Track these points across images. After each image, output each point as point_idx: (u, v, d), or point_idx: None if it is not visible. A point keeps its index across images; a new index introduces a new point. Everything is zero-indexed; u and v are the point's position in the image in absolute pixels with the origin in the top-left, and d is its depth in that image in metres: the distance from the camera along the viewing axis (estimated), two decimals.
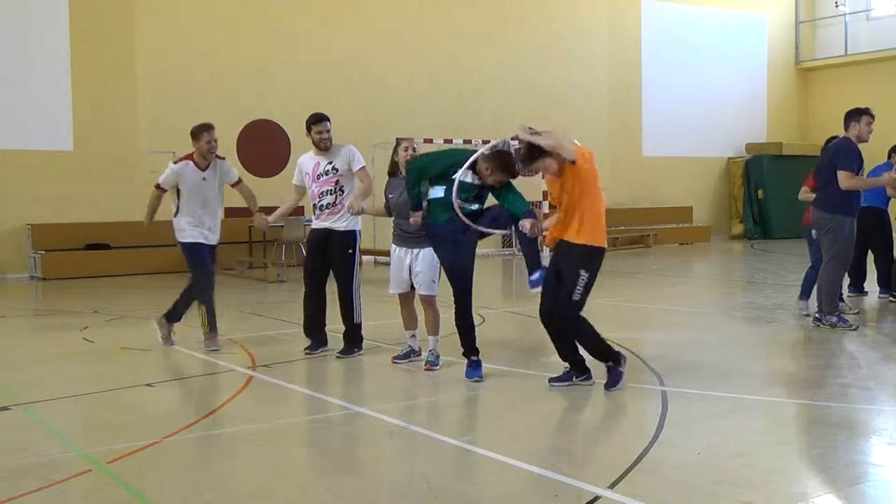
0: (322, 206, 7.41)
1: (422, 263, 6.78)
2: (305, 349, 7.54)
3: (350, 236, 7.40)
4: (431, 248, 6.66)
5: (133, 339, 8.52)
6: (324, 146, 7.43)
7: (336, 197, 7.36)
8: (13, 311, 11.43)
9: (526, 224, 6.00)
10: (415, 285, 6.87)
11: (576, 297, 5.88)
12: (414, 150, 7.01)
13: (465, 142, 16.95)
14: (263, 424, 5.47)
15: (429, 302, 6.85)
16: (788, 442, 4.91)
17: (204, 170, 7.70)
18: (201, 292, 7.81)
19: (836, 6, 23.71)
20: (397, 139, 7.30)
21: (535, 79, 19.92)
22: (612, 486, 4.11)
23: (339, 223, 7.35)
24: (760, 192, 22.67)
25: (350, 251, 7.40)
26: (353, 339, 7.48)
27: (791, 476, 4.35)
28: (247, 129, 16.93)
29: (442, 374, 6.59)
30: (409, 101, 18.01)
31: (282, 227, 14.45)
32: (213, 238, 7.84)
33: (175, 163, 7.74)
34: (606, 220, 6.10)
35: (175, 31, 16.19)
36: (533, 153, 5.82)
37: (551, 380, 6.18)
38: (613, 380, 6.04)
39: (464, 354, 6.52)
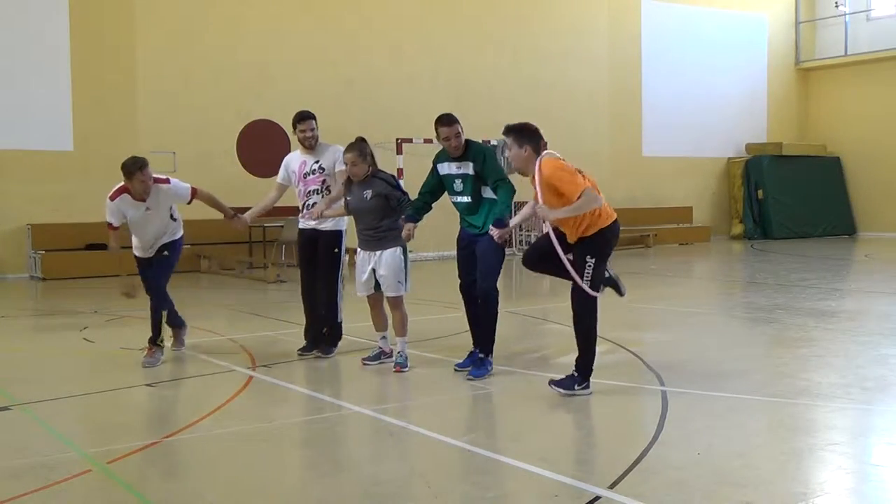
0: (309, 205, 7.35)
1: (385, 266, 6.75)
2: (299, 350, 7.50)
3: (335, 236, 7.37)
4: (392, 250, 6.73)
5: (133, 339, 8.51)
6: (308, 145, 7.41)
7: (323, 196, 7.32)
8: (13, 311, 11.43)
9: (494, 233, 6.14)
10: (381, 288, 6.85)
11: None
12: (356, 165, 6.70)
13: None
14: (263, 424, 5.48)
15: (395, 303, 6.84)
16: (788, 442, 4.90)
17: (144, 200, 7.08)
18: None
19: (836, 6, 23.70)
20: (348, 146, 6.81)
21: (535, 79, 19.90)
22: (612, 486, 4.11)
23: (326, 224, 7.30)
24: (760, 192, 22.66)
25: (336, 251, 7.39)
26: (335, 338, 7.47)
27: (791, 476, 4.35)
28: (247, 129, 16.92)
29: (442, 375, 6.59)
30: (409, 101, 17.99)
31: (282, 226, 14.44)
32: (146, 251, 7.38)
33: (111, 198, 7.08)
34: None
35: (175, 31, 16.17)
36: (513, 131, 5.89)
37: (551, 382, 6.03)
38: (564, 384, 5.92)
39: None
